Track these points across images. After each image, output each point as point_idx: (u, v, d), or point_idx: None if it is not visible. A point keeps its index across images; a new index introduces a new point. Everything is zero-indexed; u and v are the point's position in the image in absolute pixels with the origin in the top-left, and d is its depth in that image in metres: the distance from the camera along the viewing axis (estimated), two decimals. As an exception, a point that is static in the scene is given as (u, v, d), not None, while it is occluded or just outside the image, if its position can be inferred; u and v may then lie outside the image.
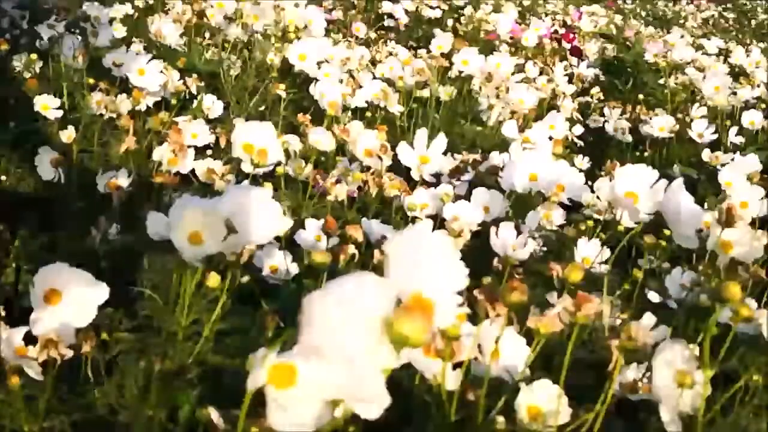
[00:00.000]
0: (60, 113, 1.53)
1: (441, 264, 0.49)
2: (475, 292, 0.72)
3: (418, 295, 0.45)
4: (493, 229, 0.96)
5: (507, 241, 0.98)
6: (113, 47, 1.93)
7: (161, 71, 1.70)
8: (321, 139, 1.52)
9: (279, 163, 1.35)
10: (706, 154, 1.97)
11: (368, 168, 1.52)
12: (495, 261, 0.95)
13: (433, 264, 0.48)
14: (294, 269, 1.16)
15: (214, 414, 0.54)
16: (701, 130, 2.19)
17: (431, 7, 3.67)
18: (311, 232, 1.22)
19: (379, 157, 1.47)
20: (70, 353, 0.74)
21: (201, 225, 0.79)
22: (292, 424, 0.44)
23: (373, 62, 2.34)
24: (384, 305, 0.43)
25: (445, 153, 1.53)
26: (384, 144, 1.47)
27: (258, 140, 1.08)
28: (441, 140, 1.50)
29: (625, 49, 3.03)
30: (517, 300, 0.68)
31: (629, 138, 2.33)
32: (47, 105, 1.52)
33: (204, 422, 0.56)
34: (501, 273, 0.98)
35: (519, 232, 0.98)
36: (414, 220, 1.35)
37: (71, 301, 0.75)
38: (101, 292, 0.76)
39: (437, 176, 1.55)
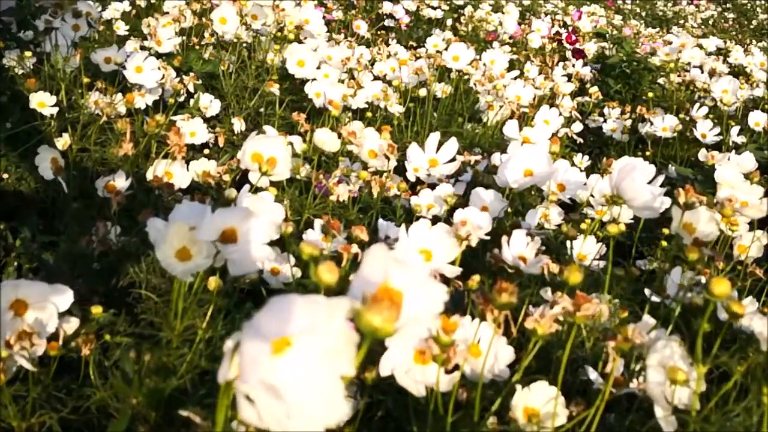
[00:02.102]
0: (56, 110, 1.53)
1: (414, 283, 0.48)
2: (473, 296, 0.72)
3: (386, 286, 0.45)
4: (504, 239, 0.94)
5: (518, 253, 0.96)
6: (92, 41, 1.92)
7: (158, 68, 1.70)
8: (326, 139, 1.52)
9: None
10: (702, 154, 1.97)
11: (366, 167, 1.52)
12: (488, 257, 0.94)
13: (406, 283, 0.48)
14: (297, 271, 1.15)
15: (191, 414, 0.54)
16: (705, 130, 2.19)
17: (432, 8, 3.67)
18: (318, 233, 1.21)
19: (387, 157, 1.46)
20: (43, 344, 0.76)
21: (188, 240, 0.75)
22: (262, 418, 0.44)
23: (373, 62, 2.34)
24: (330, 325, 0.43)
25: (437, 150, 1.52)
26: (391, 143, 1.46)
27: (267, 151, 1.08)
28: (452, 144, 1.50)
29: (620, 48, 3.03)
30: (507, 301, 0.68)
31: (626, 137, 2.34)
32: (43, 102, 1.52)
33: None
34: (494, 271, 0.98)
35: (529, 239, 0.96)
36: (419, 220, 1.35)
37: (38, 309, 0.76)
38: (66, 298, 0.78)
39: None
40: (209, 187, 1.33)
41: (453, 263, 0.93)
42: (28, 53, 1.69)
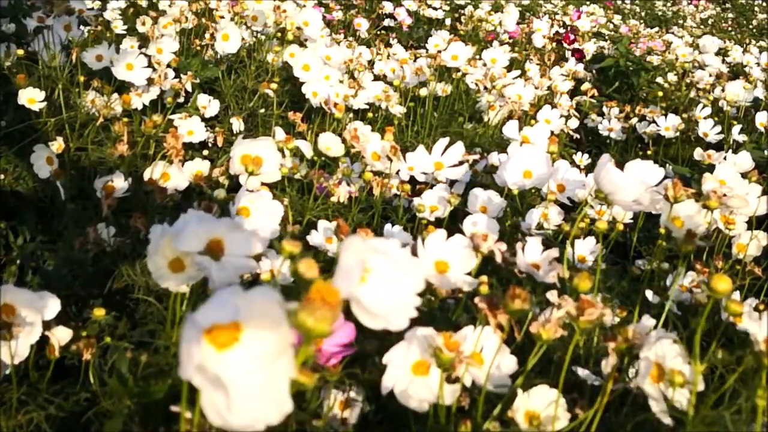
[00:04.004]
0: (44, 104, 1.52)
1: (392, 269, 0.48)
2: (476, 300, 0.70)
3: (321, 286, 0.45)
4: (519, 246, 0.92)
5: (532, 261, 0.93)
6: (92, 41, 1.92)
7: (150, 65, 1.69)
8: (331, 144, 1.50)
9: (281, 165, 1.33)
10: (697, 153, 1.97)
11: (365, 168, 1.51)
12: (498, 259, 0.93)
13: (384, 270, 0.48)
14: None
15: (181, 411, 0.54)
16: (707, 129, 2.20)
17: (434, 8, 3.66)
18: (321, 235, 1.21)
19: (389, 158, 1.45)
20: (24, 331, 0.76)
21: (180, 252, 0.71)
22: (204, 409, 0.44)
23: (372, 63, 2.33)
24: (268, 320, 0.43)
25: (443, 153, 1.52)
26: (394, 145, 1.45)
27: (256, 153, 1.06)
28: (458, 147, 1.49)
29: (616, 49, 3.03)
30: (519, 308, 0.67)
31: (624, 137, 2.34)
32: (33, 98, 1.50)
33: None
34: (497, 272, 0.97)
35: (546, 247, 0.94)
36: (421, 221, 1.34)
37: (24, 314, 0.76)
38: (53, 305, 0.78)
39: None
40: (202, 190, 1.32)
41: (470, 274, 0.91)
42: (20, 51, 1.68)
